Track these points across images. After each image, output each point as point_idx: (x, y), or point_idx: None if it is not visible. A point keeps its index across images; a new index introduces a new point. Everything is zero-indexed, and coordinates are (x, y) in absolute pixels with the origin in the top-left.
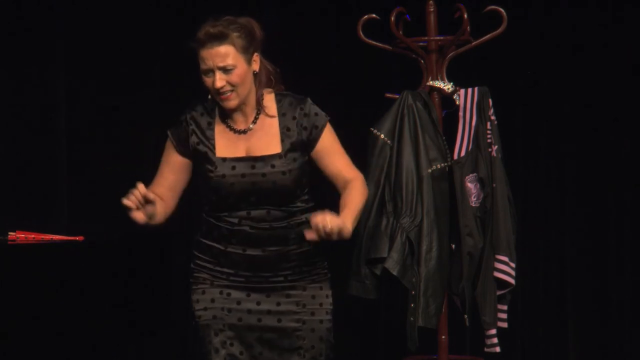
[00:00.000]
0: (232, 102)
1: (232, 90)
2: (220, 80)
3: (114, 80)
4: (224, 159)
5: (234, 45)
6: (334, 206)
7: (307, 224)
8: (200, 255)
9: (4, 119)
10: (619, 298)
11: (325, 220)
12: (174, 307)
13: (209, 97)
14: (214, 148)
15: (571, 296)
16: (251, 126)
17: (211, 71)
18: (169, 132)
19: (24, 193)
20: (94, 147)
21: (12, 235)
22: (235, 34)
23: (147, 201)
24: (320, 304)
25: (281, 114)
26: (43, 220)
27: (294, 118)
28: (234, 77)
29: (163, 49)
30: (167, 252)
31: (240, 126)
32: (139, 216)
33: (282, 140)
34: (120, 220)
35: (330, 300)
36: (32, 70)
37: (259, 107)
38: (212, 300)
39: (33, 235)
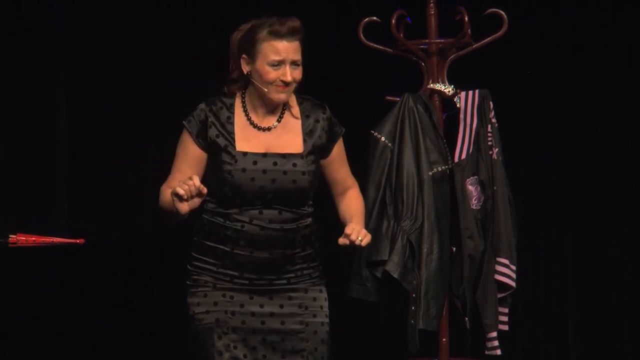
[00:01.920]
0: (285, 96)
1: (290, 85)
2: (290, 74)
3: (115, 81)
4: (245, 153)
5: (302, 43)
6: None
7: (311, 227)
8: (201, 257)
9: (4, 120)
10: (619, 298)
11: (359, 233)
12: (174, 307)
13: (225, 92)
14: (234, 142)
15: (572, 297)
16: (275, 124)
17: (282, 63)
18: (185, 124)
19: (24, 194)
20: (94, 148)
21: (12, 237)
22: (303, 34)
23: (199, 194)
24: (321, 307)
25: (304, 116)
26: (43, 221)
27: (318, 121)
28: (298, 73)
29: (163, 49)
30: (167, 252)
31: (265, 123)
32: (183, 207)
33: (305, 141)
34: (120, 220)
35: (327, 303)
36: (32, 70)
37: (285, 107)
38: (215, 304)
39: (34, 238)
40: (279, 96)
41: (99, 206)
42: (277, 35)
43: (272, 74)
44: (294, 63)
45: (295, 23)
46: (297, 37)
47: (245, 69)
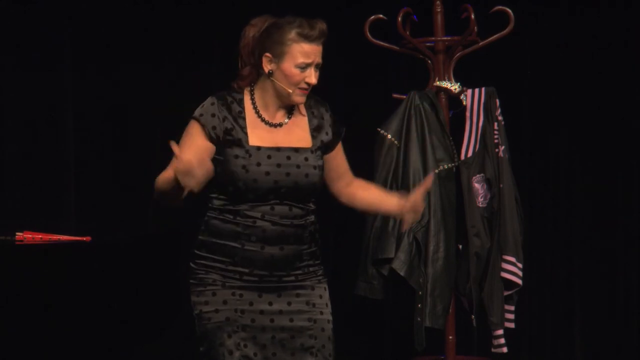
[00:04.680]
0: (305, 99)
1: (310, 87)
2: (316, 76)
3: (120, 83)
4: (259, 148)
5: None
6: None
7: (315, 224)
8: (209, 255)
9: (12, 120)
10: (626, 297)
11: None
12: (179, 307)
13: (234, 87)
14: (247, 136)
15: (578, 295)
16: (286, 121)
17: (309, 66)
18: (196, 117)
19: (32, 194)
20: (101, 147)
21: (19, 235)
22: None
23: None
24: (326, 304)
25: (310, 112)
26: (51, 222)
27: (323, 118)
28: (317, 75)
29: (167, 52)
30: (172, 252)
31: (275, 120)
32: (189, 183)
33: (313, 137)
34: (126, 220)
35: (330, 302)
36: (40, 74)
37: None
38: (225, 302)
39: (40, 236)
40: (300, 99)
41: (106, 207)
42: (307, 38)
43: (298, 76)
44: (318, 66)
45: (324, 26)
46: (322, 40)
47: (267, 67)
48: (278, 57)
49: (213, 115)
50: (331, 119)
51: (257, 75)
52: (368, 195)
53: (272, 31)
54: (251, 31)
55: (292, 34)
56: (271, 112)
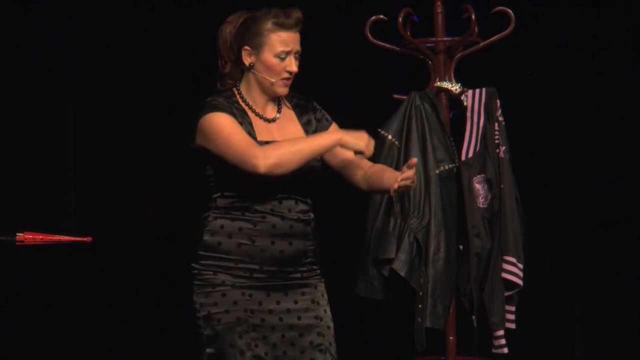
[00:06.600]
0: (287, 90)
1: (292, 77)
2: (296, 65)
3: (121, 80)
4: (268, 142)
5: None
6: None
7: (315, 222)
8: (217, 255)
9: (12, 120)
10: (626, 297)
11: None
12: (180, 307)
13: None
14: (255, 132)
15: (578, 295)
16: (278, 115)
17: (288, 54)
18: (221, 107)
19: (32, 194)
20: (101, 147)
21: (20, 236)
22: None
23: None
24: (327, 303)
25: (295, 107)
26: (51, 221)
27: (307, 112)
28: (297, 64)
29: (168, 52)
30: (172, 252)
31: (268, 114)
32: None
33: (306, 131)
34: (126, 220)
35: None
36: (38, 70)
37: (279, 98)
38: (235, 303)
39: (41, 236)
40: (283, 90)
41: (106, 207)
42: (283, 26)
43: (279, 65)
44: (297, 54)
45: (299, 14)
46: (300, 28)
47: (248, 60)
48: (257, 48)
49: (230, 107)
50: (317, 111)
51: (240, 72)
52: (375, 169)
53: (249, 24)
54: (227, 28)
55: (269, 24)
56: (261, 108)
